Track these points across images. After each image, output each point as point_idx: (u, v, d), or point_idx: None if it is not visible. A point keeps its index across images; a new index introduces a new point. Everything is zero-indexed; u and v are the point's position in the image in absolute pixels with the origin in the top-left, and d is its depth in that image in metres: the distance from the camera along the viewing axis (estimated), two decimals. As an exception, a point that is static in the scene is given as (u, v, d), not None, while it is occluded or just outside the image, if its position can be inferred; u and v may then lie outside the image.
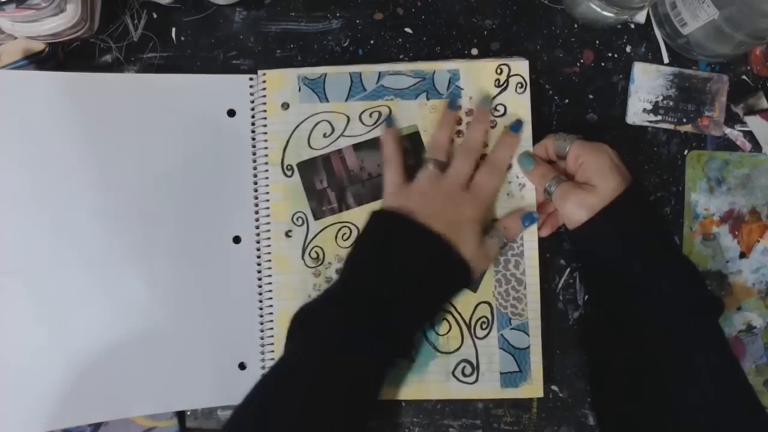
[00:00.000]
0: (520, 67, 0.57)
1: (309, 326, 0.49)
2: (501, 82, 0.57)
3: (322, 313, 0.49)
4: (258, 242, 0.57)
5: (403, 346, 0.50)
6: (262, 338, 0.56)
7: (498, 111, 0.57)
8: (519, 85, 0.57)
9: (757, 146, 0.60)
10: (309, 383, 0.46)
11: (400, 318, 0.48)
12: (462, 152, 0.54)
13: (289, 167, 0.57)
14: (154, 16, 0.59)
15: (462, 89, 0.57)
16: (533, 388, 0.56)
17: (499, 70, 0.57)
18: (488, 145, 0.56)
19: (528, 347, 0.56)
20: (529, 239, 0.56)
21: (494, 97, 0.57)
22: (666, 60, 0.60)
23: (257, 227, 0.57)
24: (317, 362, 0.47)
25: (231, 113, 0.57)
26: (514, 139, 0.56)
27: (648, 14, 0.60)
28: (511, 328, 0.56)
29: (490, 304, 0.56)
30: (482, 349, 0.56)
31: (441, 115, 0.56)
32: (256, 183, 0.57)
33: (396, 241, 0.50)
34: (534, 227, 0.56)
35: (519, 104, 0.57)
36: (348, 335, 0.47)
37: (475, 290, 0.56)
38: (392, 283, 0.49)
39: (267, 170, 0.57)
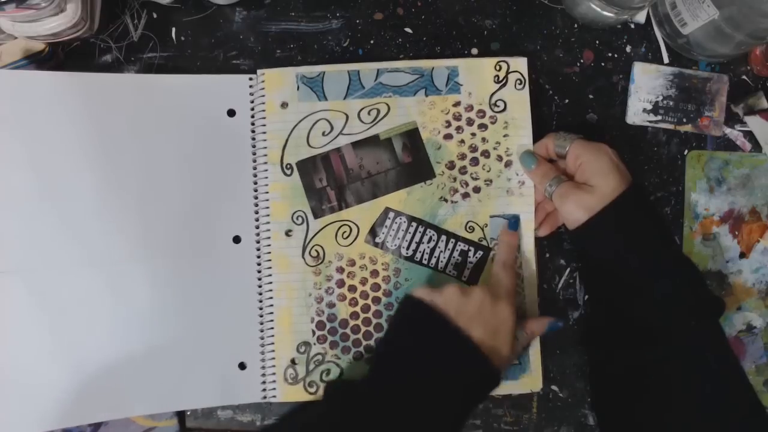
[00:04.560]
0: (519, 63, 0.57)
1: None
2: (500, 78, 0.57)
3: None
4: (258, 242, 0.57)
5: None
6: (262, 338, 0.56)
7: (498, 107, 0.57)
8: (518, 81, 0.57)
9: (757, 146, 0.60)
10: None
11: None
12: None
13: (288, 166, 0.57)
14: (154, 16, 0.59)
15: (461, 85, 0.57)
16: (532, 380, 0.56)
17: (498, 67, 0.57)
18: (488, 141, 0.57)
19: None
20: (527, 235, 0.56)
21: (493, 93, 0.57)
22: (666, 60, 0.60)
23: (257, 227, 0.57)
24: None
25: (231, 113, 0.57)
26: (513, 238, 0.56)
27: (648, 14, 0.60)
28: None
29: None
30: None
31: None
32: (255, 182, 0.57)
33: (433, 346, 0.49)
34: (531, 224, 0.56)
35: (518, 100, 0.57)
36: None
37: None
38: (423, 390, 0.47)
39: (267, 170, 0.57)
